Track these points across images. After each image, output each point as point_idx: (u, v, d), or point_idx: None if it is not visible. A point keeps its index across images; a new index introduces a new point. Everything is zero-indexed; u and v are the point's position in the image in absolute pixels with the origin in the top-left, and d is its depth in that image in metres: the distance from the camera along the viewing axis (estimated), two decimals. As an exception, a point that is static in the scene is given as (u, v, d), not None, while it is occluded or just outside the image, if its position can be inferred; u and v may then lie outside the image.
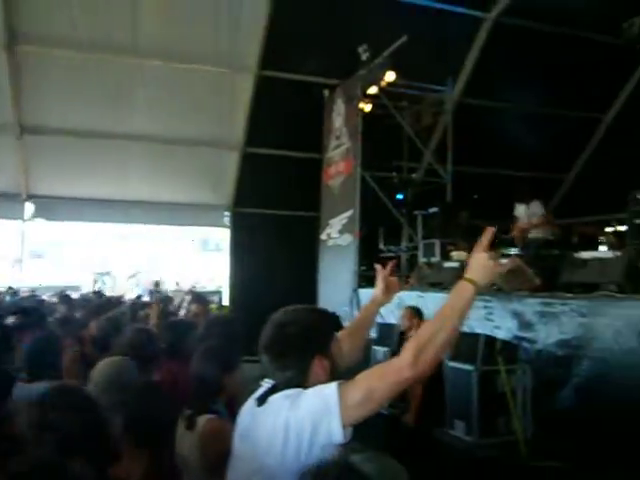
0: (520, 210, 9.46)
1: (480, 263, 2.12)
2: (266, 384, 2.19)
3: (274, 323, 2.18)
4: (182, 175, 12.67)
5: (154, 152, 12.21)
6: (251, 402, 2.22)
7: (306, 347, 2.12)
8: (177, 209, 13.14)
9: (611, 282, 5.99)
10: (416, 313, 6.23)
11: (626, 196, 9.78)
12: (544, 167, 13.76)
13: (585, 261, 6.44)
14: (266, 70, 11.44)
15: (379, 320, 8.61)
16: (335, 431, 1.93)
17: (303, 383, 2.07)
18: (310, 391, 2.02)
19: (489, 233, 2.17)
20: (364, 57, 10.52)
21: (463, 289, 2.09)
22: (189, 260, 26.51)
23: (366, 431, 6.02)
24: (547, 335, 6.07)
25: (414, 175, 12.57)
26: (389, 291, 2.72)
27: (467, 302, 2.08)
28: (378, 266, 2.74)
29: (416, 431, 5.87)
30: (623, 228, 10.27)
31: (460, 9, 11.41)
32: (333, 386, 1.96)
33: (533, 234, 9.19)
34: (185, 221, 13.97)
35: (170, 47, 10.84)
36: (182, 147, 12.30)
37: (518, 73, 12.42)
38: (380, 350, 7.24)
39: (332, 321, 2.28)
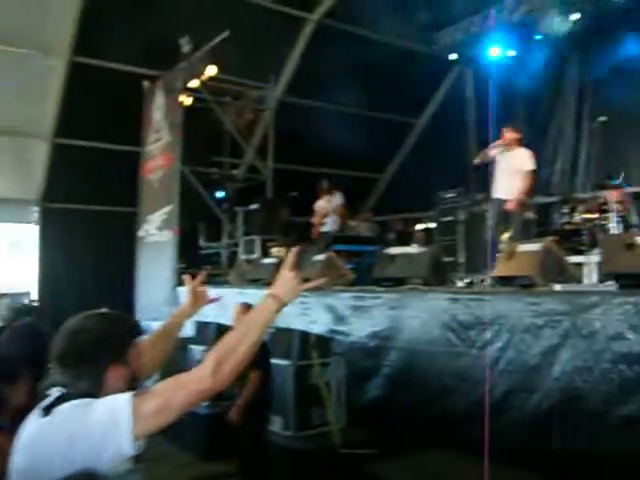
0: (320, 203, 9.70)
1: (285, 280, 2.12)
2: (55, 393, 1.99)
3: (66, 331, 2.04)
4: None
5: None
6: (36, 413, 2.00)
7: (100, 355, 2.00)
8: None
9: (417, 276, 6.32)
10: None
11: (435, 196, 10.52)
12: (362, 167, 14.35)
13: (394, 256, 6.74)
14: (80, 56, 10.71)
15: (197, 318, 8.42)
16: (125, 443, 1.81)
17: (97, 393, 1.94)
18: (101, 401, 1.89)
19: (295, 253, 2.18)
20: (186, 49, 10.26)
21: (266, 304, 2.09)
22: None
23: (187, 433, 5.83)
24: (360, 328, 6.28)
25: (235, 171, 12.48)
26: (197, 303, 2.68)
27: (268, 318, 2.08)
28: (187, 277, 2.69)
29: (239, 430, 5.78)
30: (433, 225, 11.00)
31: (285, 8, 11.51)
32: (126, 396, 1.85)
33: (352, 227, 9.54)
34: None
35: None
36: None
37: (339, 75, 12.77)
38: (197, 349, 7.03)
39: (129, 327, 2.16)
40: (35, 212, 12.12)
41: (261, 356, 5.11)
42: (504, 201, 7.06)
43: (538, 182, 11.36)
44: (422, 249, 6.84)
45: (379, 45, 12.42)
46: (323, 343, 5.86)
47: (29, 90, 10.85)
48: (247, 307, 5.58)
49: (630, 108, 10.36)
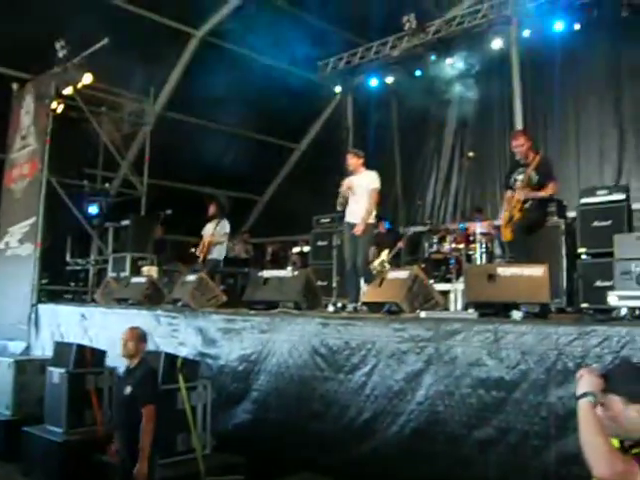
0: (209, 228, 9.47)
1: None
2: None
3: None
4: None
5: None
6: None
7: None
8: None
9: (289, 300, 6.30)
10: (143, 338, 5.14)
11: (311, 220, 10.62)
12: (241, 187, 14.28)
13: (267, 279, 6.70)
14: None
15: (57, 338, 7.95)
16: None
17: None
18: None
19: None
20: (61, 54, 9.77)
21: None
22: None
23: (39, 461, 5.42)
24: (229, 351, 6.15)
25: (108, 185, 11.99)
26: None
27: None
28: None
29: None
30: (307, 249, 11.09)
31: (169, 22, 11.31)
32: None
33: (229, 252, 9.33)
34: None
35: None
36: None
37: (222, 94, 12.69)
38: (55, 371, 6.60)
39: None
40: None
41: (152, 387, 4.86)
42: (354, 225, 7.07)
43: (406, 211, 11.92)
44: (295, 273, 6.84)
45: (263, 67, 12.52)
46: (190, 366, 5.67)
47: None
48: (135, 332, 5.03)
49: (494, 145, 11.04)
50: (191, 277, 7.56)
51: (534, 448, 4.02)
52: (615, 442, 2.26)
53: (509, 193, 6.34)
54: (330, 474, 4.77)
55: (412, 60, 12.06)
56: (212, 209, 9.61)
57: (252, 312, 6.40)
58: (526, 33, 10.62)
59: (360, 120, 13.90)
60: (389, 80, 12.72)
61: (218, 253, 9.24)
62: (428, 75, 11.96)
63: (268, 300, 6.49)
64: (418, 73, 12.10)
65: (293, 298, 6.29)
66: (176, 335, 6.75)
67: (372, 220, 7.12)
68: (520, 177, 6.22)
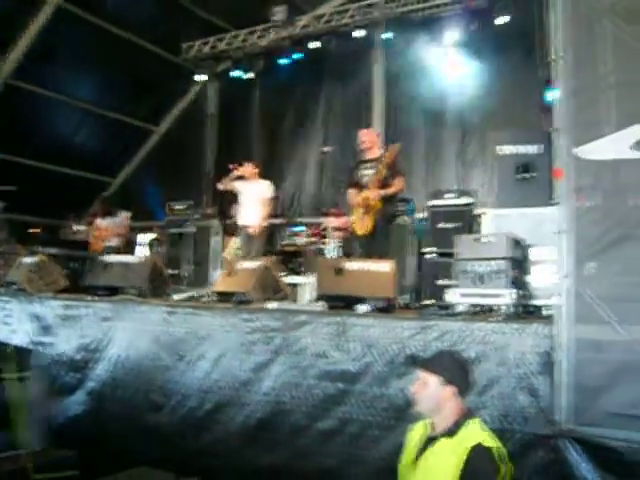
0: (101, 222, 9.61)
1: None
2: None
3: None
4: None
5: None
6: None
7: None
8: None
9: (134, 286, 6.04)
10: None
11: (166, 206, 10.29)
12: (93, 168, 13.52)
13: (111, 264, 6.37)
14: None
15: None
16: None
17: None
18: None
19: None
20: None
21: None
22: None
23: None
24: (67, 339, 5.79)
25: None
26: None
27: None
28: None
29: None
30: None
31: (16, -18, 10.43)
32: None
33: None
34: None
35: None
36: None
37: (78, 68, 11.95)
38: None
39: None
40: None
41: None
42: (248, 227, 7.76)
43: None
44: (141, 258, 6.57)
45: (124, 43, 11.91)
46: (22, 355, 5.26)
47: None
48: None
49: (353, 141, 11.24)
50: (29, 259, 7.00)
51: (374, 438, 4.11)
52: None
53: (354, 191, 6.33)
54: (168, 467, 4.62)
55: (278, 52, 12.03)
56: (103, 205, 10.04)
57: (95, 298, 6.04)
58: (390, 34, 10.95)
59: (223, 107, 13.68)
60: (254, 69, 12.60)
61: (115, 243, 9.38)
62: (293, 68, 11.99)
63: (111, 285, 6.17)
64: (284, 64, 12.08)
65: (138, 284, 6.03)
66: (9, 322, 6.24)
67: (266, 224, 7.91)
68: (367, 172, 6.25)
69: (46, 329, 5.94)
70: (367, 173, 6.26)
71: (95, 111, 12.92)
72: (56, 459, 5.09)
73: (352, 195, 6.34)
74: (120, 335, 5.43)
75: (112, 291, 6.11)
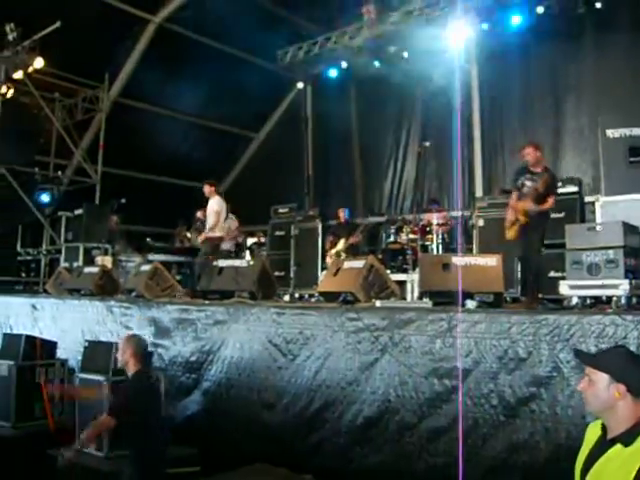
0: None
1: None
2: None
3: None
4: None
5: None
6: None
7: None
8: None
9: (244, 290, 6.23)
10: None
11: (269, 210, 10.56)
12: (198, 177, 14.05)
13: (222, 269, 6.61)
14: None
15: (6, 330, 7.74)
16: None
17: None
18: None
19: None
20: (11, 37, 9.46)
21: None
22: None
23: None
24: (183, 342, 6.05)
25: (61, 173, 11.69)
26: None
27: None
28: None
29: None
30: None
31: (125, 7, 11.04)
32: None
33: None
34: None
35: None
36: None
37: (180, 82, 12.49)
38: (3, 364, 6.41)
39: None
40: None
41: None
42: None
43: (365, 201, 11.96)
44: (250, 262, 6.77)
45: (222, 55, 12.34)
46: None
47: None
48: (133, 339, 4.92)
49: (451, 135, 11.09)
50: (145, 267, 7.42)
51: (484, 436, 4.04)
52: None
53: (515, 195, 6.35)
54: (283, 464, 4.73)
55: (371, 50, 12.04)
56: None
57: (207, 302, 6.30)
58: (484, 26, 10.69)
59: (320, 110, 13.85)
60: (348, 70, 12.68)
61: (227, 246, 9.83)
62: (387, 65, 11.96)
63: (223, 290, 6.41)
64: (377, 63, 12.10)
65: (248, 288, 6.22)
66: (130, 326, 6.62)
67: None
68: (529, 183, 6.23)
69: (164, 332, 6.24)
70: (528, 184, 6.25)
71: (199, 123, 13.47)
72: (178, 456, 5.32)
73: (513, 198, 6.35)
74: (233, 337, 5.62)
75: (224, 295, 6.34)
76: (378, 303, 5.28)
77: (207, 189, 9.05)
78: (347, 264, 5.91)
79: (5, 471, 5.82)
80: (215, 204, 8.81)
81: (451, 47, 11.14)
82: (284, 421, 5.12)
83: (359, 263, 5.81)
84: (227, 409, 5.55)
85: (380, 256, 8.42)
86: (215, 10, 11.60)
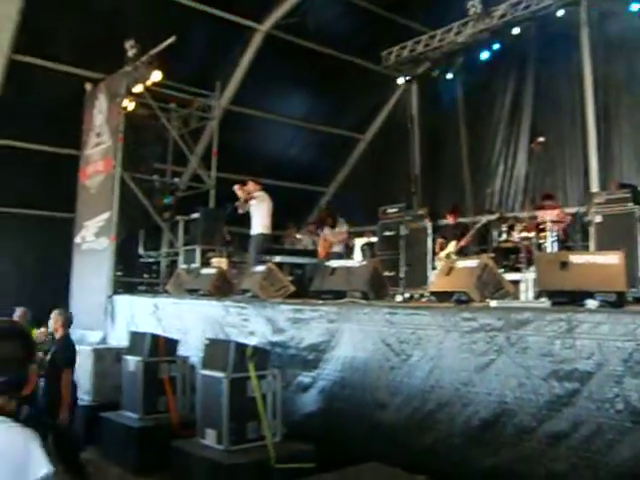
0: (326, 232, 10.31)
1: None
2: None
3: None
4: None
5: None
6: None
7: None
8: None
9: (356, 290, 6.31)
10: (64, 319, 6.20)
11: (378, 210, 10.61)
12: (306, 179, 14.36)
13: (334, 270, 6.72)
14: (20, 54, 10.39)
15: (132, 328, 8.23)
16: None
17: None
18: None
19: None
20: (131, 53, 10.05)
21: None
22: None
23: (119, 446, 5.69)
24: (298, 340, 6.21)
25: (177, 180, 12.29)
26: None
27: None
28: None
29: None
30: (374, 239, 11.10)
31: (234, 17, 11.45)
32: None
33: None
34: None
35: None
36: None
37: (286, 87, 12.85)
38: (131, 360, 6.85)
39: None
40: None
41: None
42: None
43: (474, 200, 11.73)
44: (362, 263, 6.83)
45: (327, 59, 12.53)
46: (260, 355, 5.75)
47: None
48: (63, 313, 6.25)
49: (564, 129, 10.71)
50: (259, 268, 7.66)
51: (608, 442, 3.89)
52: None
53: None
54: (397, 464, 4.75)
55: (477, 46, 11.83)
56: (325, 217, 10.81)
57: (320, 302, 6.44)
58: (596, 15, 10.25)
59: (425, 109, 13.76)
60: (454, 67, 12.50)
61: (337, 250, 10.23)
62: (494, 60, 11.71)
63: (335, 290, 6.52)
64: (484, 58, 11.87)
65: (360, 288, 6.29)
66: (246, 325, 6.87)
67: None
68: None
69: (279, 331, 6.43)
70: None
71: (305, 126, 13.74)
72: (295, 452, 5.47)
73: None
74: (346, 336, 5.71)
75: (336, 295, 6.45)
76: (493, 303, 5.20)
77: (253, 186, 9.43)
78: (460, 263, 5.85)
79: (133, 459, 6.24)
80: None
81: (562, 37, 10.79)
82: (397, 421, 5.14)
83: (473, 262, 5.73)
84: (341, 407, 5.64)
85: (491, 255, 8.25)
86: (319, 15, 11.83)
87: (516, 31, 11.07)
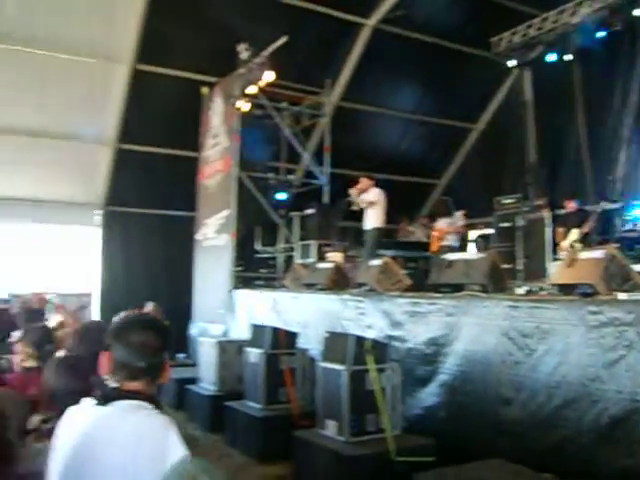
0: (441, 224, 10.31)
1: None
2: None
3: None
4: (48, 171, 11.81)
5: (18, 145, 11.32)
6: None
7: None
8: (41, 206, 12.13)
9: (475, 283, 6.22)
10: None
11: (492, 201, 10.37)
12: (418, 172, 14.26)
13: (451, 262, 6.65)
14: (142, 63, 11.03)
15: (252, 321, 8.53)
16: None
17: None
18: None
19: None
20: (244, 56, 10.40)
21: None
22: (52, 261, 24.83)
23: (243, 435, 5.95)
24: (416, 334, 6.21)
25: (291, 176, 12.58)
26: None
27: None
28: None
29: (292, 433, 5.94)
30: (489, 231, 10.87)
31: (340, 14, 11.56)
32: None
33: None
34: (50, 219, 12.82)
35: (35, 33, 10.12)
36: (49, 140, 11.46)
37: (395, 80, 12.81)
38: (253, 352, 7.13)
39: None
40: (98, 215, 12.49)
41: None
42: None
43: (595, 187, 11.20)
44: (480, 255, 6.72)
45: (435, 49, 12.38)
46: (379, 348, 5.80)
47: (93, 97, 11.20)
48: None
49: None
50: (375, 262, 7.72)
51: None
52: None
53: None
54: (520, 461, 4.66)
55: (595, 25, 11.21)
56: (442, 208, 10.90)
57: (438, 295, 6.41)
58: None
59: (540, 95, 13.25)
60: (570, 50, 11.91)
61: (451, 242, 10.20)
62: (614, 41, 11.07)
63: (453, 283, 6.45)
64: (603, 39, 11.22)
65: (479, 281, 6.19)
66: (363, 318, 6.95)
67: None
68: None
69: (397, 325, 6.46)
70: None
71: (416, 118, 13.64)
72: (415, 445, 5.48)
73: None
74: (466, 330, 5.65)
75: (454, 288, 6.40)
76: (622, 296, 4.97)
77: (366, 182, 9.47)
78: (584, 254, 5.62)
79: (257, 447, 6.48)
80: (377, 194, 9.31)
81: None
82: (521, 417, 5.03)
83: (598, 253, 5.49)
84: (462, 402, 5.60)
85: (616, 245, 7.87)
86: (425, 6, 11.70)
87: (638, 12, 10.38)
